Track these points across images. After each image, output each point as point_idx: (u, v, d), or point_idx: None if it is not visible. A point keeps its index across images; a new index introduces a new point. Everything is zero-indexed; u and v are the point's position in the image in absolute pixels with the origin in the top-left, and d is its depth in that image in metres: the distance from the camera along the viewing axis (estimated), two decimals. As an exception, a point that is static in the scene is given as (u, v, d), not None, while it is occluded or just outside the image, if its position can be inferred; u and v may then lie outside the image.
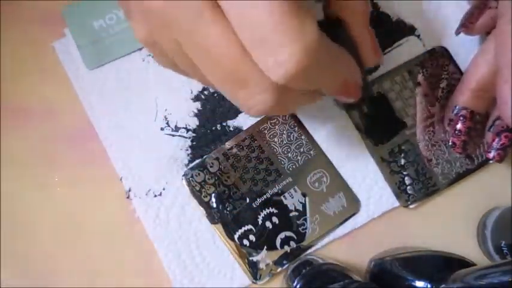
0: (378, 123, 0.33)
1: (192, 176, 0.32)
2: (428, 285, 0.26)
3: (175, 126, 0.33)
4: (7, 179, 0.33)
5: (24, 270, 0.32)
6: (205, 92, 0.33)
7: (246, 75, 0.19)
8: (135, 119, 0.33)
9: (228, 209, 0.32)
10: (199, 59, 0.20)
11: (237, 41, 0.19)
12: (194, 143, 0.33)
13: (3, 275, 0.32)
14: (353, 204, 0.32)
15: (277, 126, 0.33)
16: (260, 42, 0.18)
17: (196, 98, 0.33)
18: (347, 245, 0.32)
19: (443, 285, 0.25)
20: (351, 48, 0.23)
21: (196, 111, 0.33)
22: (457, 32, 0.31)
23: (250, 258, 0.31)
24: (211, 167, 0.32)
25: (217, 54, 0.19)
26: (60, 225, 0.33)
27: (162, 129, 0.33)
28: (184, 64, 0.22)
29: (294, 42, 0.18)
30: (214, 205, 0.32)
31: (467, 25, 0.30)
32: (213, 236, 0.32)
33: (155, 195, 0.32)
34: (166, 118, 0.33)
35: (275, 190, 0.32)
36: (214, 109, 0.33)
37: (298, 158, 0.32)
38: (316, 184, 0.32)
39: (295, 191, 0.32)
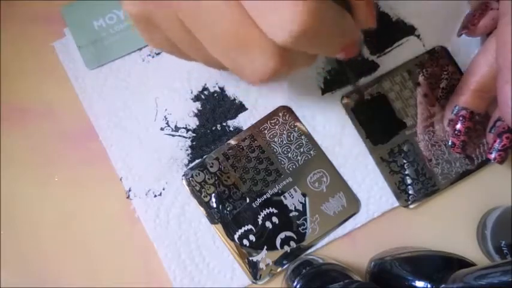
0: (378, 123, 0.33)
1: (192, 176, 0.32)
2: (428, 285, 0.26)
3: (175, 126, 0.33)
4: (7, 179, 0.33)
5: (24, 270, 0.32)
6: (205, 92, 0.33)
7: (248, 41, 0.19)
8: (135, 119, 0.33)
9: (228, 209, 0.32)
10: (198, 27, 0.20)
11: (239, 5, 0.18)
12: (194, 143, 0.33)
13: (3, 275, 0.32)
14: (353, 204, 0.32)
15: (277, 126, 0.33)
16: (263, 5, 0.18)
17: (196, 98, 0.33)
18: (347, 245, 0.32)
19: (443, 285, 0.25)
20: (345, 6, 0.23)
21: (196, 111, 0.33)
22: (459, 34, 0.31)
23: (250, 258, 0.31)
24: (211, 167, 0.32)
25: (219, 20, 0.19)
26: (60, 225, 0.33)
27: (162, 129, 0.33)
28: (182, 38, 0.21)
29: (297, 3, 0.17)
30: (214, 205, 0.32)
31: (469, 27, 0.30)
32: (213, 236, 0.32)
33: (155, 195, 0.32)
34: (166, 118, 0.33)
35: (275, 190, 0.32)
36: (214, 109, 0.33)
37: (298, 158, 0.32)
38: (316, 184, 0.32)
39: (295, 191, 0.32)
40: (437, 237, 0.32)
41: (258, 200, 0.32)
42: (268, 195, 0.32)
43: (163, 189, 0.32)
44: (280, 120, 0.33)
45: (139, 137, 0.33)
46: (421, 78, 0.33)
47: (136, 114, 0.33)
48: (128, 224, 0.32)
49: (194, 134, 0.33)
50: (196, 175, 0.32)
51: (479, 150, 0.32)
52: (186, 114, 0.33)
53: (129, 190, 0.32)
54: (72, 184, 0.33)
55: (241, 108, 0.33)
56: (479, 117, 0.30)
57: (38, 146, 0.33)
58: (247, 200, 0.32)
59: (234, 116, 0.33)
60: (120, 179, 0.33)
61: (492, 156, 0.29)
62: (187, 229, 0.32)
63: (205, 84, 0.33)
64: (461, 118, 0.30)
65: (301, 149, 0.32)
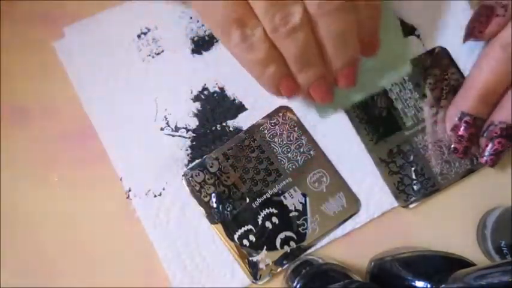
0: (378, 123, 0.33)
1: (192, 176, 0.32)
2: (428, 285, 0.26)
3: (175, 126, 0.33)
4: (7, 178, 0.33)
5: (24, 270, 0.32)
6: (205, 92, 0.33)
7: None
8: (135, 119, 0.33)
9: (228, 209, 0.32)
10: None
11: None
12: (194, 143, 0.33)
13: (3, 275, 0.32)
14: (353, 204, 0.32)
15: (277, 126, 0.33)
16: None
17: (196, 98, 0.33)
18: (347, 245, 0.32)
19: (443, 285, 0.25)
20: None
21: (196, 111, 0.33)
22: (465, 40, 0.31)
23: (250, 258, 0.31)
24: (211, 167, 0.32)
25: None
26: (60, 225, 0.33)
27: (162, 129, 0.33)
28: None
29: None
30: (214, 205, 0.32)
31: (476, 34, 0.30)
32: (213, 236, 0.32)
33: (155, 195, 0.32)
34: (166, 118, 0.33)
35: (275, 190, 0.32)
36: (214, 109, 0.33)
37: (298, 158, 0.32)
38: (316, 184, 0.32)
39: (295, 191, 0.32)
40: (437, 237, 0.32)
41: (258, 200, 0.32)
42: (268, 195, 0.32)
43: (163, 189, 0.32)
44: (280, 120, 0.33)
45: (139, 137, 0.33)
46: (421, 79, 0.33)
47: (136, 114, 0.33)
48: (128, 224, 0.32)
49: (194, 134, 0.33)
50: (196, 175, 0.32)
51: (479, 151, 0.32)
52: (186, 114, 0.33)
53: (129, 190, 0.32)
54: (72, 184, 0.33)
55: (241, 108, 0.33)
56: (481, 122, 0.30)
57: (38, 146, 0.33)
58: (247, 200, 0.32)
59: (234, 116, 0.33)
60: (120, 179, 0.33)
61: (484, 159, 0.30)
62: (187, 229, 0.32)
63: (205, 84, 0.33)
64: (464, 124, 0.30)
65: (301, 149, 0.32)
